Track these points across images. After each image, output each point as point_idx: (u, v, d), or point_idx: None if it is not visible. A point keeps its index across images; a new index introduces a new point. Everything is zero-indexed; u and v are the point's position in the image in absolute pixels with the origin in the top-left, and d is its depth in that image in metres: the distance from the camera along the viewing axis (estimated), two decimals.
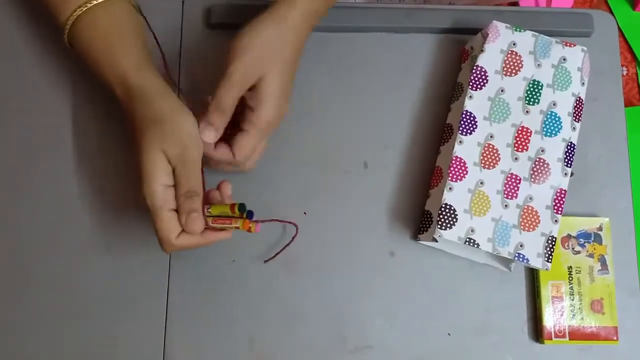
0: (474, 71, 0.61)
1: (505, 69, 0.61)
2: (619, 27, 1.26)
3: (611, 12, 1.27)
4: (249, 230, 0.52)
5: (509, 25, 0.62)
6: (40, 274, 0.60)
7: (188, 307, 0.60)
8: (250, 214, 0.53)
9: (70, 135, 0.63)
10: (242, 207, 0.52)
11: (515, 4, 0.98)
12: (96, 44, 0.55)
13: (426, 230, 0.60)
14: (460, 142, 0.60)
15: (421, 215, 0.63)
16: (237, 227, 0.53)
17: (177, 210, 0.51)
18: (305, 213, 0.63)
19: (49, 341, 0.59)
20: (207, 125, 0.54)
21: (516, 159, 0.60)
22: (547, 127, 0.60)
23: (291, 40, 0.55)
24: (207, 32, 0.66)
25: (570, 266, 0.61)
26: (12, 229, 0.61)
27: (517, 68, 0.61)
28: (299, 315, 0.61)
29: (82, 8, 0.54)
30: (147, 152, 0.51)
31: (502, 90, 0.61)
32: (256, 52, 0.54)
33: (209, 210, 0.53)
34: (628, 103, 1.25)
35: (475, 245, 0.57)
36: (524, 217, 0.58)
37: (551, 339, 0.60)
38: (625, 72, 1.26)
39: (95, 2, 0.54)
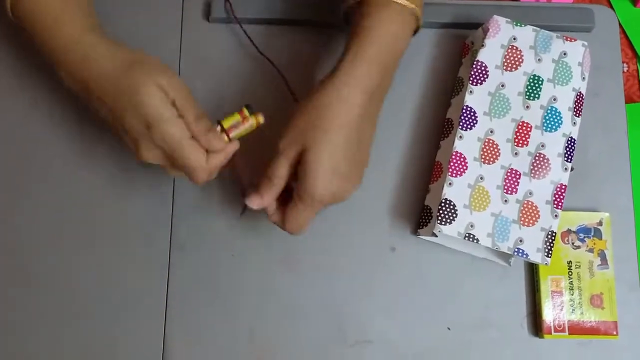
0: (474, 66, 0.61)
1: (505, 63, 0.61)
2: (619, 23, 1.26)
3: (612, 8, 1.27)
4: (259, 124, 0.53)
5: (509, 20, 0.62)
6: (38, 272, 0.60)
7: (188, 301, 0.61)
8: (251, 108, 0.53)
9: (65, 132, 0.63)
10: (249, 107, 0.53)
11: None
12: (43, 16, 0.53)
13: (426, 225, 0.60)
14: (461, 137, 0.60)
15: (421, 210, 0.63)
16: (252, 126, 0.53)
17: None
18: None
19: (48, 340, 0.59)
20: (255, 192, 0.53)
21: (516, 154, 0.60)
22: (548, 122, 0.60)
23: (352, 103, 0.51)
24: (207, 26, 0.66)
25: (570, 261, 0.61)
26: (10, 229, 0.61)
27: (517, 63, 0.61)
28: (299, 309, 0.61)
29: None
30: (144, 91, 0.49)
31: (502, 85, 0.61)
32: (302, 119, 0.52)
33: (220, 126, 0.53)
34: (629, 99, 1.25)
35: (475, 241, 0.57)
36: (523, 212, 0.58)
37: (551, 334, 0.60)
38: (626, 69, 1.26)
39: None
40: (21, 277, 0.60)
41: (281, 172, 0.52)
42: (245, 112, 0.53)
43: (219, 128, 0.52)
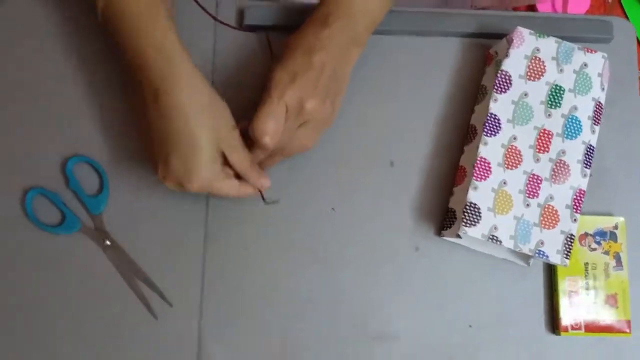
0: (498, 75, 0.64)
1: (528, 73, 0.64)
2: None
3: (625, 15, 1.29)
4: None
5: (532, 31, 0.64)
6: (74, 271, 0.63)
7: (223, 296, 0.64)
8: None
9: (108, 135, 0.66)
10: None
11: (533, 7, 1.01)
12: (129, 22, 0.56)
13: (450, 227, 0.64)
14: (485, 143, 0.62)
15: (445, 212, 0.66)
16: None
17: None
18: (333, 209, 0.66)
19: (83, 340, 0.63)
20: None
21: (538, 160, 0.63)
22: (568, 130, 0.63)
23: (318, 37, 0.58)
24: (240, 33, 0.69)
25: (587, 262, 0.64)
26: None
27: (540, 73, 0.64)
28: (327, 306, 0.64)
29: None
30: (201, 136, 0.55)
31: (525, 94, 0.64)
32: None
33: None
34: None
35: (498, 242, 0.60)
36: (544, 215, 0.61)
37: (567, 331, 0.63)
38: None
39: None
40: (61, 273, 0.63)
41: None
42: None
43: None
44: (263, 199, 0.63)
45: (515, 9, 0.97)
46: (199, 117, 0.55)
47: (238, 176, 0.60)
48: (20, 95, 0.66)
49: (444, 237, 0.65)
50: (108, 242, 0.63)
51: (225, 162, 0.58)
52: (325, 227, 0.66)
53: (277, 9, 0.68)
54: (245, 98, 0.67)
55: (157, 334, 0.63)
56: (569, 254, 0.61)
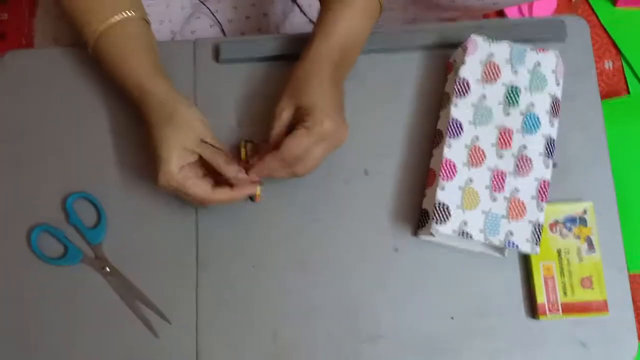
0: (457, 82, 0.68)
1: (485, 77, 0.68)
2: (601, 24, 1.32)
3: (592, 11, 1.33)
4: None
5: (485, 38, 0.69)
6: (76, 289, 0.69)
7: (217, 310, 0.68)
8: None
9: (103, 159, 0.72)
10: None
11: (501, 13, 1.05)
12: (114, 59, 0.67)
13: (424, 226, 0.67)
14: (449, 145, 0.67)
15: (419, 213, 0.70)
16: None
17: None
18: (316, 219, 0.70)
19: (92, 342, 0.68)
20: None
21: (501, 156, 0.66)
22: (527, 125, 0.67)
23: (324, 72, 0.64)
24: (216, 66, 0.74)
25: (560, 248, 0.68)
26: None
27: (496, 76, 0.68)
28: (315, 309, 0.68)
29: (102, 24, 0.66)
30: (168, 152, 0.63)
31: (484, 97, 0.68)
32: (290, 89, 0.65)
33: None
34: (616, 94, 1.30)
35: (469, 237, 0.64)
36: (511, 207, 0.65)
37: (546, 315, 0.66)
38: (611, 66, 1.32)
39: (112, 21, 0.66)
40: (66, 301, 0.68)
41: (280, 132, 0.66)
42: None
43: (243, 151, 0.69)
44: (252, 199, 0.69)
45: (485, 16, 1.01)
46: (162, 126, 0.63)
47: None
48: (21, 141, 0.72)
49: (421, 237, 0.69)
50: (108, 269, 0.68)
51: (205, 169, 0.65)
52: (310, 236, 0.70)
53: (248, 42, 0.74)
54: (225, 124, 0.72)
55: (158, 350, 0.67)
56: (538, 241, 0.64)
